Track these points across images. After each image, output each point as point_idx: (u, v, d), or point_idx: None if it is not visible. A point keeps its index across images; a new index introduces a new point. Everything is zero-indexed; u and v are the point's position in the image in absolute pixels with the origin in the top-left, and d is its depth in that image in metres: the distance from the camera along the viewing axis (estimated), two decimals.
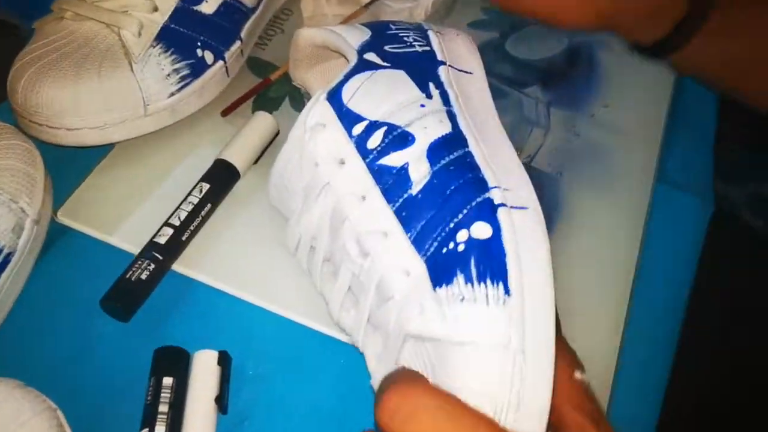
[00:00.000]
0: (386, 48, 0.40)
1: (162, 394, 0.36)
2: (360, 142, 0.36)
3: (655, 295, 0.45)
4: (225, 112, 0.49)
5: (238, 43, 0.49)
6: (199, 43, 0.46)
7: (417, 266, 0.32)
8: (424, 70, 0.39)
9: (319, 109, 0.37)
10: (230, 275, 0.42)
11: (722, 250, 0.50)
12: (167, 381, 0.37)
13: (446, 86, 0.38)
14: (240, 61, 0.51)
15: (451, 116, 0.36)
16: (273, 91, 0.51)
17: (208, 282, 0.42)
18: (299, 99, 0.51)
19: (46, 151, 0.43)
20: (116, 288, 0.39)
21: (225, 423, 0.37)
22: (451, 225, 0.32)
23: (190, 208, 0.42)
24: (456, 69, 0.40)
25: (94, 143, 0.44)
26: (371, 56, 0.39)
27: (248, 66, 0.52)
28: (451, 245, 0.31)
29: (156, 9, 0.45)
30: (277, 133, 0.48)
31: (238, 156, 0.45)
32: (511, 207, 0.32)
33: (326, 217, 0.36)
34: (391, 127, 0.35)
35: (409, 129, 0.35)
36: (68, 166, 0.45)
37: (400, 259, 0.32)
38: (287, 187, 0.39)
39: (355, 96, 0.37)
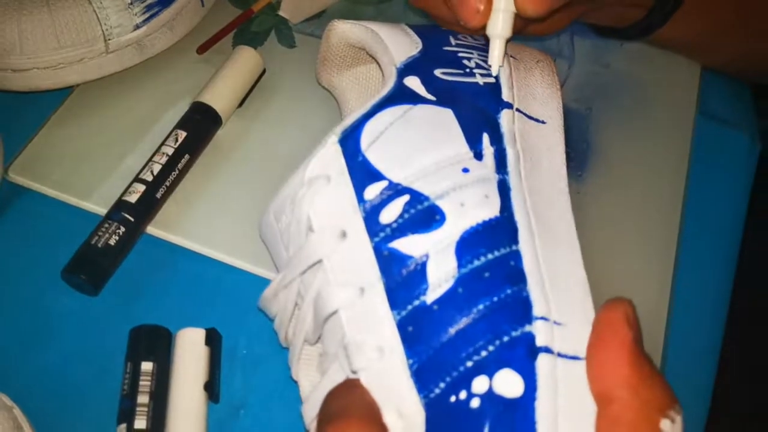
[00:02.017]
0: (437, 72, 0.31)
1: (141, 383, 0.30)
2: (371, 212, 0.27)
3: (703, 244, 0.39)
4: (201, 49, 0.42)
5: None
6: None
7: (413, 408, 0.23)
8: (480, 114, 0.29)
9: (325, 156, 0.28)
10: (215, 237, 0.35)
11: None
12: (146, 366, 0.31)
13: (506, 142, 0.28)
14: None
15: (504, 191, 0.27)
16: (256, 25, 0.44)
17: (189, 246, 0.35)
18: (287, 32, 0.44)
19: None
20: (80, 256, 0.33)
21: (217, 412, 0.31)
22: (469, 364, 0.23)
23: (164, 160, 0.36)
24: (525, 115, 0.30)
25: (46, 87, 0.38)
26: (414, 82, 0.30)
27: None
28: (463, 395, 0.23)
29: None
30: (263, 72, 0.41)
31: (218, 98, 0.38)
32: (559, 355, 0.23)
33: (311, 303, 0.27)
34: (416, 197, 0.26)
35: (439, 203, 0.26)
36: (18, 115, 0.39)
37: (396, 388, 0.24)
38: (282, 233, 0.29)
39: (378, 142, 0.28)
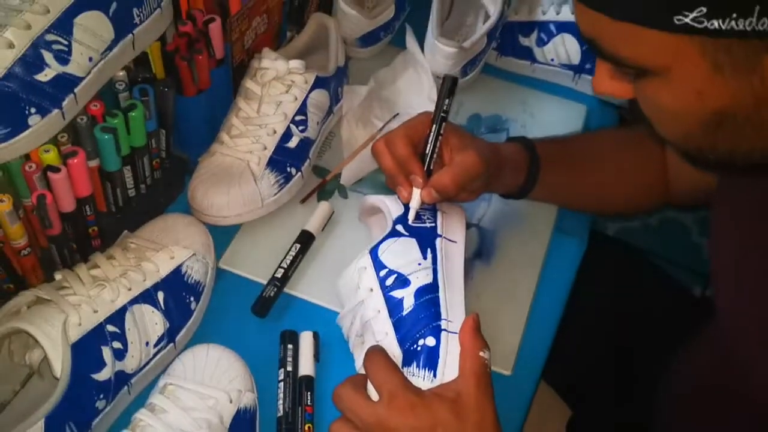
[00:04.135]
0: (409, 221, 0.71)
1: (288, 354, 0.72)
2: (382, 281, 0.66)
3: (547, 299, 0.81)
4: (303, 201, 0.85)
5: (308, 162, 0.86)
6: (288, 164, 0.83)
7: (398, 353, 0.63)
8: (427, 240, 0.69)
9: (364, 259, 0.68)
10: (314, 291, 0.78)
11: (591, 272, 0.86)
12: (290, 347, 0.73)
13: (438, 252, 0.69)
14: (309, 170, 0.87)
15: (435, 273, 0.67)
16: (328, 186, 0.88)
17: (302, 296, 0.78)
18: (343, 190, 0.88)
19: (209, 229, 0.80)
20: (259, 301, 0.76)
21: (318, 366, 0.73)
22: (418, 335, 0.63)
23: (291, 258, 0.79)
24: (447, 239, 0.70)
25: (234, 223, 0.81)
26: (399, 227, 0.70)
27: (313, 171, 0.89)
28: (416, 346, 0.63)
29: (265, 148, 0.82)
30: (332, 213, 0.84)
31: (313, 228, 0.81)
32: (449, 332, 0.63)
33: (359, 318, 0.68)
34: (399, 276, 0.66)
35: (409, 277, 0.66)
36: (219, 236, 0.82)
37: (392, 347, 0.64)
38: (347, 290, 0.71)
39: (385, 253, 0.68)
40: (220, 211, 0.79)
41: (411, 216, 0.72)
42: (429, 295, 0.67)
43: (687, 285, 1.20)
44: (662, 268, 1.05)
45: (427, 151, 0.72)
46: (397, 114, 0.93)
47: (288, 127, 0.83)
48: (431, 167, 0.72)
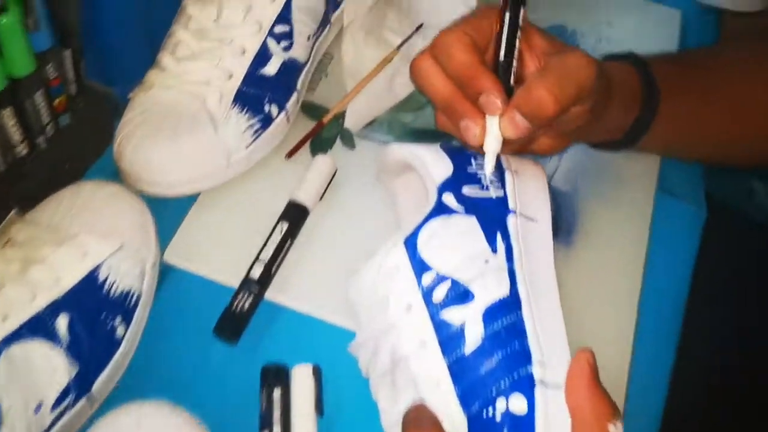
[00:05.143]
0: (464, 191, 0.45)
1: (274, 405, 0.45)
2: (427, 293, 0.41)
3: (659, 295, 0.54)
4: (289, 155, 0.57)
5: (295, 95, 0.57)
6: (266, 100, 0.55)
7: (460, 420, 0.38)
8: (494, 219, 0.44)
9: (395, 254, 0.43)
10: (311, 300, 0.51)
11: (717, 252, 0.59)
12: (277, 392, 0.46)
13: (512, 238, 0.43)
14: (296, 108, 0.59)
15: (512, 276, 0.42)
16: (326, 132, 0.59)
17: (294, 307, 0.51)
18: (349, 137, 0.59)
19: (148, 203, 0.52)
20: (225, 318, 0.48)
21: (322, 424, 0.46)
22: (493, 391, 0.38)
23: (275, 245, 0.51)
24: (524, 216, 0.45)
25: (186, 193, 0.53)
26: (449, 198, 0.45)
27: (302, 110, 0.60)
28: (491, 411, 0.37)
29: (231, 76, 0.53)
30: (334, 173, 0.56)
31: (307, 197, 0.54)
32: (548, 385, 0.38)
33: (387, 351, 0.42)
34: (455, 284, 0.41)
35: (470, 287, 0.41)
36: (163, 212, 0.54)
37: (449, 407, 0.39)
38: (366, 302, 0.44)
39: (428, 245, 0.42)
40: (164, 176, 0.51)
41: (488, 169, 0.45)
42: (506, 316, 0.40)
43: None
44: None
45: (501, 57, 0.44)
46: (422, 25, 0.64)
47: (264, 44, 0.54)
48: (511, 83, 0.45)
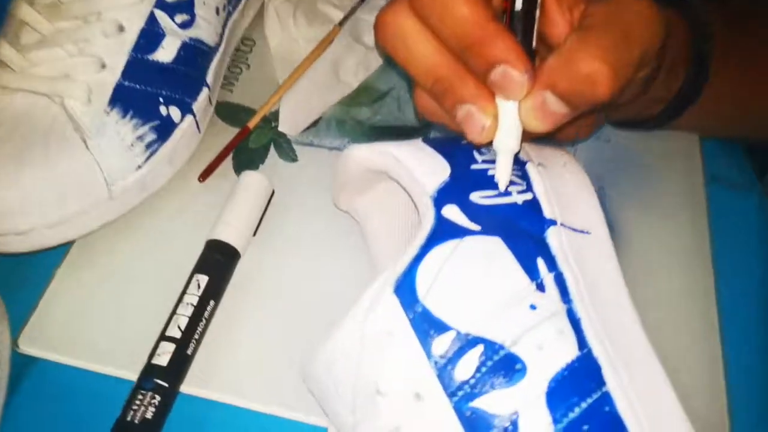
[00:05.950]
0: (473, 198, 0.29)
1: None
2: (444, 369, 0.25)
3: (740, 299, 0.39)
4: (203, 177, 0.40)
5: (205, 91, 0.40)
6: (161, 99, 0.38)
7: None
8: (527, 237, 0.28)
9: (384, 309, 0.26)
10: (248, 388, 0.33)
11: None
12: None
13: (560, 264, 0.27)
14: (209, 111, 0.42)
15: (575, 322, 0.26)
16: (253, 141, 0.43)
17: (225, 400, 0.33)
18: (286, 146, 0.43)
19: None
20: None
21: None
22: None
23: (190, 311, 0.33)
24: (570, 229, 0.29)
25: (51, 244, 0.35)
26: (453, 212, 0.28)
27: (217, 114, 0.43)
28: None
29: (104, 66, 0.36)
30: (271, 196, 0.39)
31: (233, 232, 0.36)
32: None
33: None
34: (490, 346, 0.25)
35: (515, 350, 0.25)
36: (18, 280, 0.36)
37: None
38: (335, 387, 0.27)
39: (434, 287, 0.26)
40: (9, 221, 0.34)
41: (502, 177, 0.30)
42: (587, 396, 0.25)
43: None
44: None
45: (518, 6, 0.29)
46: None
47: (151, 17, 0.37)
48: (533, 46, 0.29)
